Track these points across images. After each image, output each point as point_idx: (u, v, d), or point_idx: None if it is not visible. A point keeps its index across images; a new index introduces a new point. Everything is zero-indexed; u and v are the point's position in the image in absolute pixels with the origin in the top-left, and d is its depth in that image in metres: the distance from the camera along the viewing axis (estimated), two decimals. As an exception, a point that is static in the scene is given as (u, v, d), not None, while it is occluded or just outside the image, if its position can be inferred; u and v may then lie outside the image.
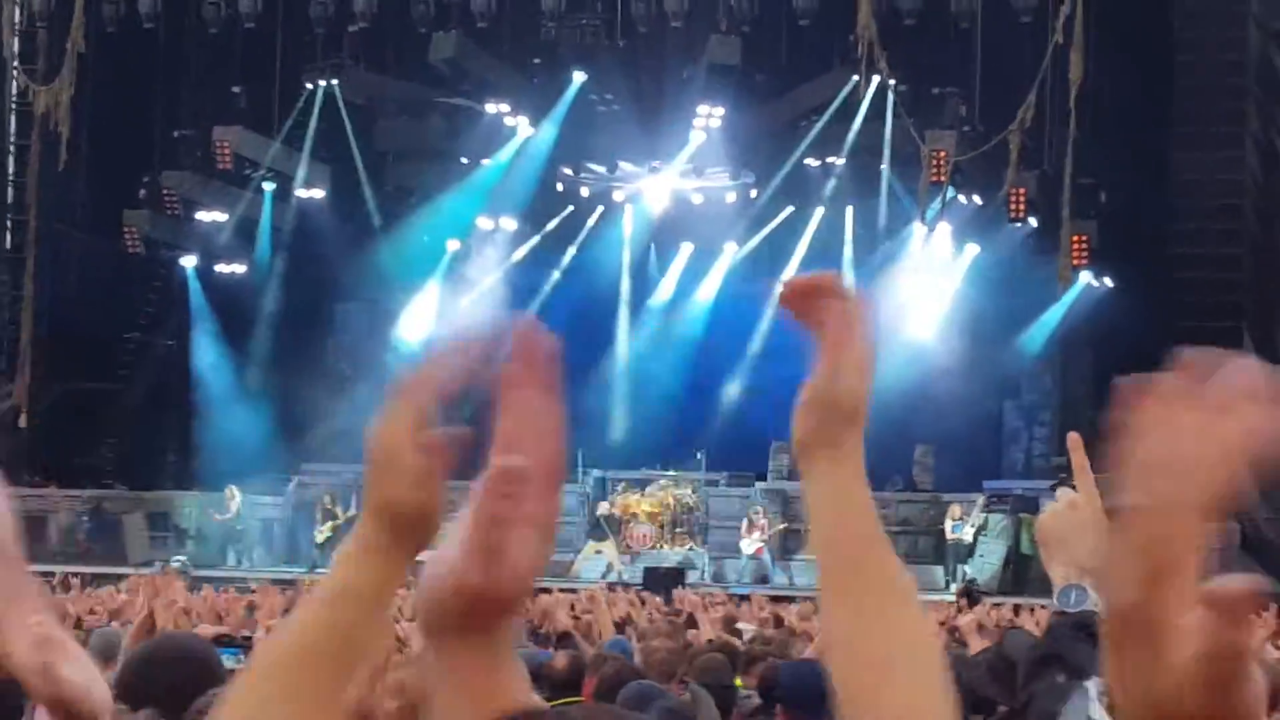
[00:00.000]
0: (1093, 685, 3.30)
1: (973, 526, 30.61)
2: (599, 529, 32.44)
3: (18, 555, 2.69)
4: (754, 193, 37.10)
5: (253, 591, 19.13)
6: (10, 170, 35.89)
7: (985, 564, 29.87)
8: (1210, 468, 1.41)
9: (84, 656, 2.83)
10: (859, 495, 1.87)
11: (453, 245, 38.00)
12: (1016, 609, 19.05)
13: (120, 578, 22.09)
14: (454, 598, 1.75)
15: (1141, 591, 1.40)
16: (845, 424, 1.87)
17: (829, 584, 1.85)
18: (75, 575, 21.92)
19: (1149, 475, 1.42)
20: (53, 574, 21.94)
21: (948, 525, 30.89)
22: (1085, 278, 32.89)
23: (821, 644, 1.83)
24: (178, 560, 29.57)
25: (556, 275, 38.41)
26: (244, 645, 8.24)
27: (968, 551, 30.48)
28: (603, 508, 32.31)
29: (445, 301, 37.61)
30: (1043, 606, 17.31)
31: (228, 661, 5.34)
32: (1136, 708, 1.42)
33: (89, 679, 2.80)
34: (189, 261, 37.43)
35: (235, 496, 32.79)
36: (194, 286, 37.35)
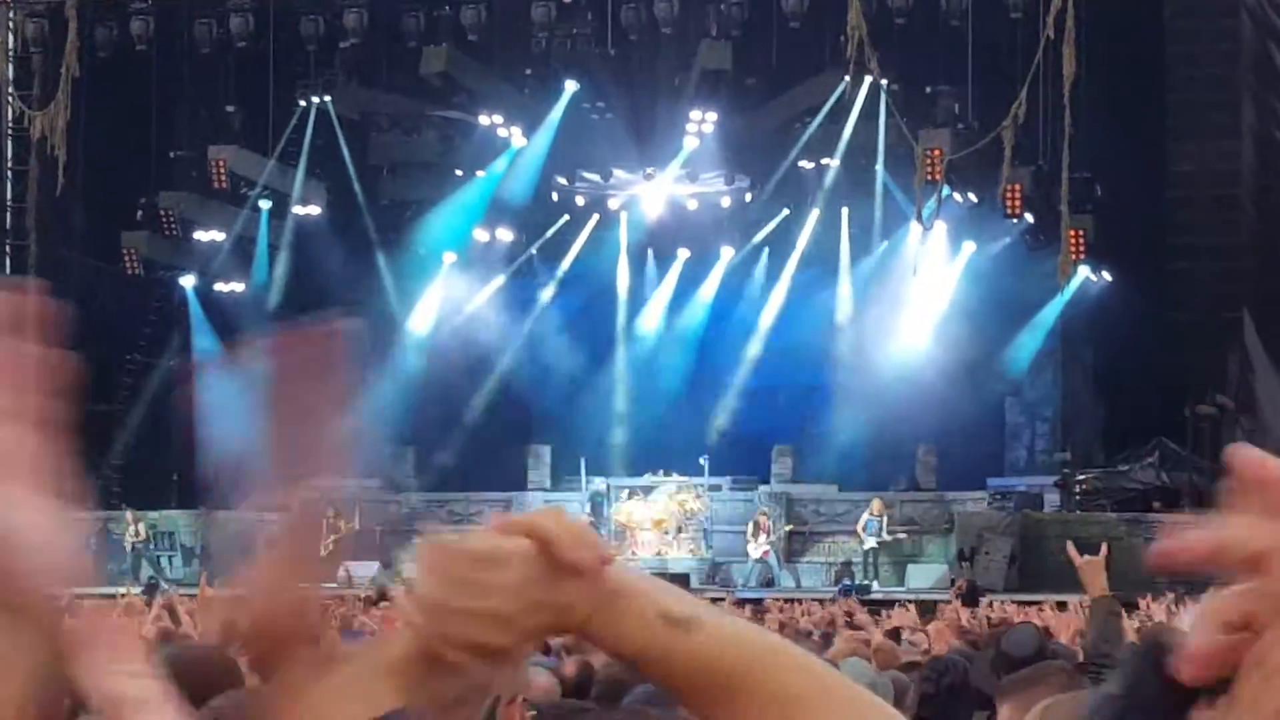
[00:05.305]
0: None
1: (885, 534, 30.95)
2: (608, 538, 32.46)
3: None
4: (749, 196, 37.12)
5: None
6: (9, 196, 35.87)
7: (991, 562, 29.83)
8: None
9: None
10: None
11: (449, 258, 37.98)
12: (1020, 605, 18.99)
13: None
14: None
15: None
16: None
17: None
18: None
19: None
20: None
21: (861, 520, 31.10)
22: (1083, 272, 32.81)
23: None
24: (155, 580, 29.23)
25: (554, 284, 38.42)
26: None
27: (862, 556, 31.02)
28: (607, 516, 32.31)
29: (445, 313, 37.65)
30: (1039, 603, 17.31)
31: None
32: None
33: None
34: (188, 281, 37.46)
35: (135, 520, 32.65)
36: (194, 306, 37.35)
